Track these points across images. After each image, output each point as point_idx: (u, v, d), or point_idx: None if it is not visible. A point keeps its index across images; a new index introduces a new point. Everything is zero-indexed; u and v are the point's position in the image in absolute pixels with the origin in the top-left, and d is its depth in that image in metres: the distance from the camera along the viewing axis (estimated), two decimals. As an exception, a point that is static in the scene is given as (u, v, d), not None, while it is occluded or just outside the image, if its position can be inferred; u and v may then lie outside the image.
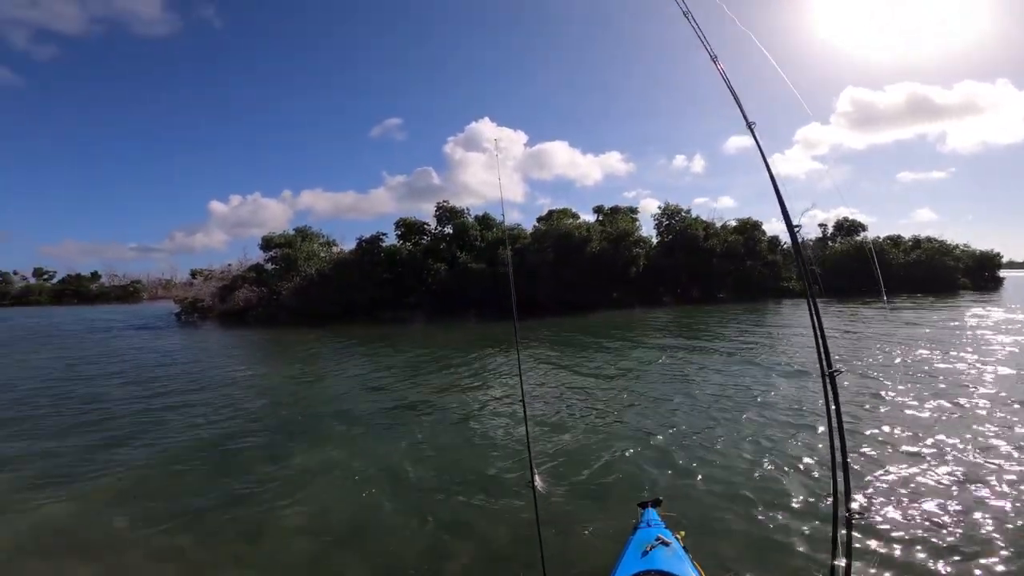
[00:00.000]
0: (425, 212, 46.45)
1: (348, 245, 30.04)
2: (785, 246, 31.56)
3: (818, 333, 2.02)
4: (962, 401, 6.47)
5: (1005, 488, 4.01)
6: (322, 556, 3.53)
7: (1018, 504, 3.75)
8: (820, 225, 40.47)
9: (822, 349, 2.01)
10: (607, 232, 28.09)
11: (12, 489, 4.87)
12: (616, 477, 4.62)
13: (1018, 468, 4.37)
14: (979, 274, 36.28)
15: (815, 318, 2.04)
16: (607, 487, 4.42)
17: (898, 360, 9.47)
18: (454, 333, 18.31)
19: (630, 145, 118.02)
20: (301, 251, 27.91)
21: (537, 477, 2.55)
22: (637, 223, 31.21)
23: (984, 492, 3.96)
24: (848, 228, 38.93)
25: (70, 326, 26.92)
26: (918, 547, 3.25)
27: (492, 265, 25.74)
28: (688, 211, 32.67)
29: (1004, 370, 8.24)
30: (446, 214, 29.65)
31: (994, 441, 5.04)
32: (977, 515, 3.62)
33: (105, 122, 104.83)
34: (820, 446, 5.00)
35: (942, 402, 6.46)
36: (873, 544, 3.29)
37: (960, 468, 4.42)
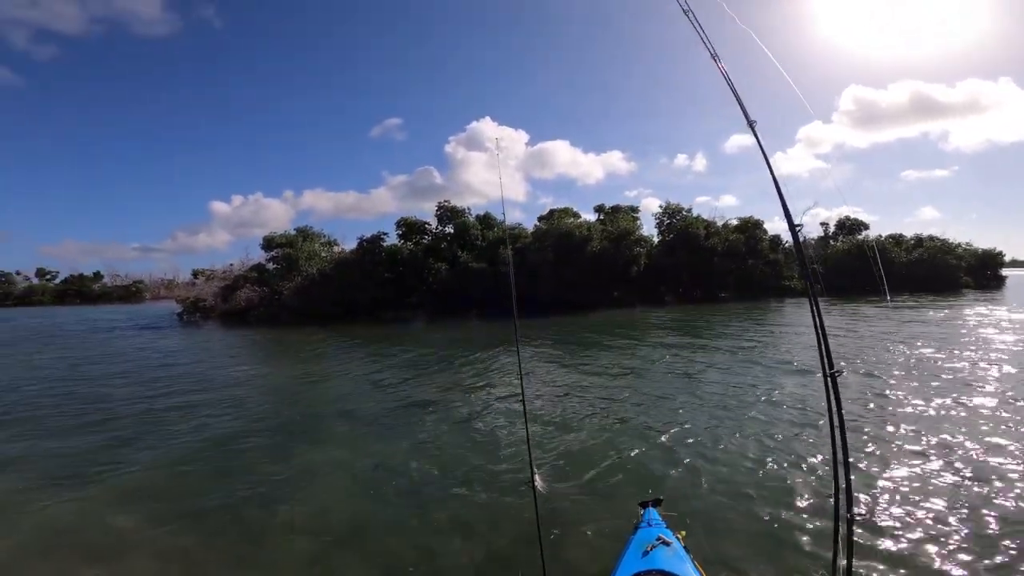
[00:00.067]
0: (427, 212, 46.47)
1: (349, 245, 30.11)
2: (787, 245, 31.49)
3: (819, 333, 2.01)
4: (966, 400, 6.45)
5: (1009, 487, 4.00)
6: (323, 556, 3.54)
7: (1022, 503, 3.74)
8: (822, 224, 40.38)
9: (823, 349, 2.00)
10: (608, 231, 28.07)
11: (16, 490, 4.89)
12: (618, 476, 4.62)
13: (1022, 468, 4.36)
14: (981, 273, 36.11)
15: (816, 318, 2.03)
16: (608, 486, 4.42)
17: (901, 359, 9.45)
18: (456, 332, 18.32)
19: (631, 144, 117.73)
20: (302, 251, 27.94)
21: (537, 476, 2.55)
22: (638, 222, 31.20)
23: (988, 491, 3.95)
24: (850, 227, 38.80)
25: (73, 326, 27.00)
26: (921, 545, 3.25)
27: (493, 264, 25.75)
28: (689, 210, 32.66)
29: (1008, 369, 8.21)
30: (447, 213, 29.67)
31: (999, 440, 5.03)
32: (981, 513, 3.61)
33: (105, 122, 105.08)
34: (824, 445, 5.00)
35: (946, 401, 6.45)
36: (876, 542, 3.28)
37: (964, 467, 4.41)
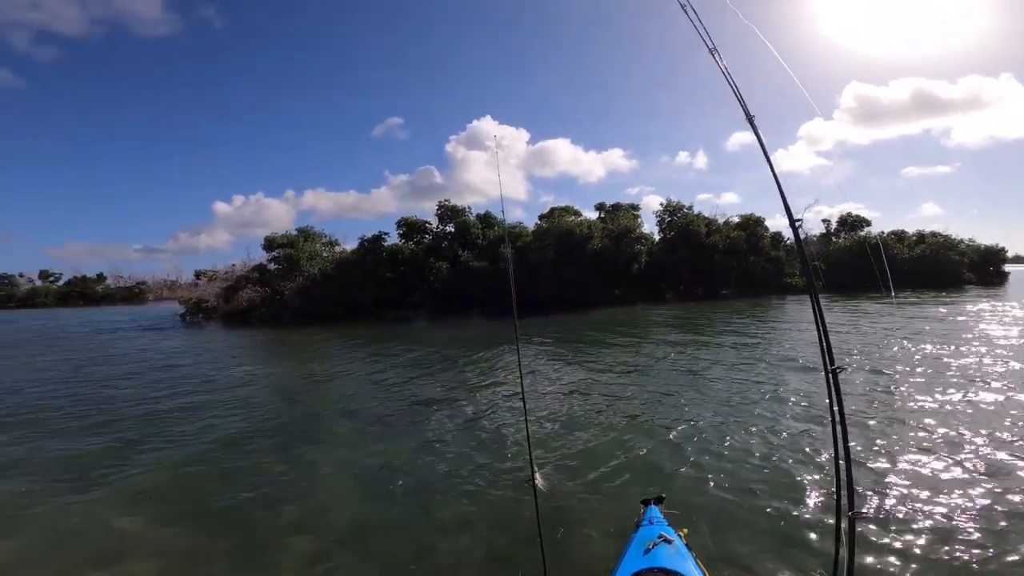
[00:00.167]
0: (428, 211, 46.42)
1: (351, 245, 30.17)
2: (788, 242, 31.40)
3: (821, 329, 2.00)
4: (971, 396, 6.43)
5: (1017, 483, 3.98)
6: (326, 556, 3.54)
7: (1025, 500, 3.73)
8: (824, 221, 40.23)
9: (825, 346, 1.99)
10: (608, 229, 28.03)
11: (20, 492, 4.90)
12: (621, 474, 4.61)
13: (1025, 463, 4.34)
14: (984, 269, 35.97)
15: (817, 314, 2.03)
16: (612, 484, 4.41)
17: (906, 355, 9.41)
18: (457, 332, 18.32)
19: (632, 142, 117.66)
20: (303, 251, 27.98)
21: (538, 475, 2.55)
22: (639, 220, 31.19)
23: (995, 487, 3.93)
24: (852, 223, 38.68)
25: (76, 328, 27.09)
26: (927, 542, 3.23)
27: (494, 263, 25.74)
28: (690, 207, 32.60)
29: (1015, 365, 8.17)
30: (447, 213, 29.67)
31: (1005, 435, 5.00)
32: (988, 510, 3.60)
33: (106, 122, 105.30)
34: (830, 441, 4.97)
35: (952, 397, 6.42)
36: (880, 539, 3.27)
37: (971, 463, 4.39)
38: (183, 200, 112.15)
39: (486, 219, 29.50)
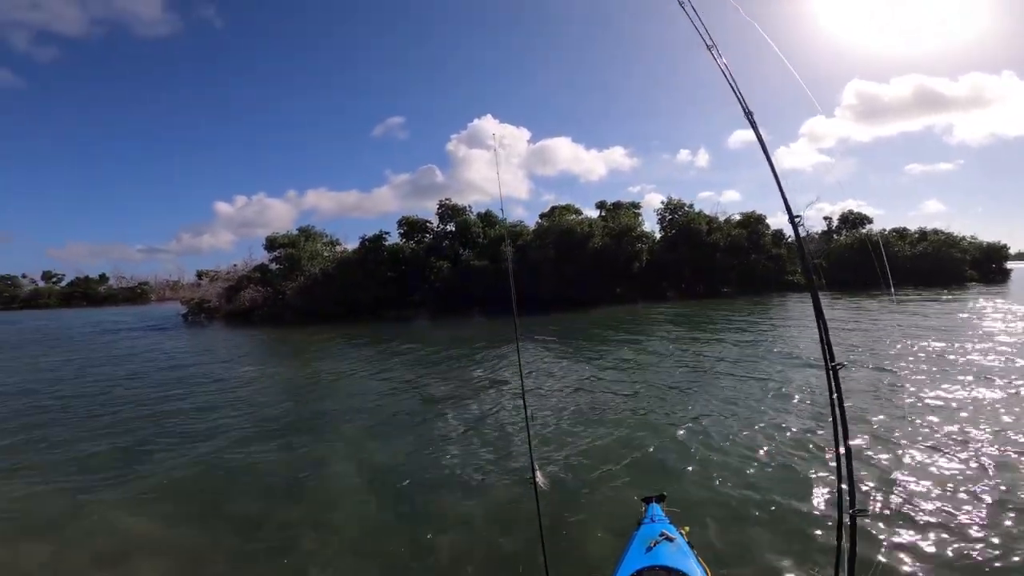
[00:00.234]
0: (429, 210, 46.54)
1: (352, 244, 30.23)
2: (789, 240, 31.33)
3: (821, 327, 2.00)
4: (973, 393, 6.41)
5: (1019, 480, 3.97)
6: (329, 555, 3.56)
7: (1028, 496, 3.72)
8: (825, 218, 40.14)
9: (825, 343, 1.99)
10: (609, 228, 28.01)
11: (24, 494, 4.92)
12: (621, 472, 4.61)
13: (1028, 460, 4.33)
14: (986, 266, 35.83)
15: (818, 311, 2.02)
16: (614, 482, 4.41)
17: (909, 352, 9.39)
18: (459, 331, 18.33)
19: (633, 140, 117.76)
20: (305, 251, 28.05)
21: (539, 473, 2.55)
22: (640, 218, 31.17)
23: (1000, 483, 3.92)
24: (853, 221, 38.56)
25: (79, 328, 27.19)
26: (931, 539, 3.23)
27: (495, 262, 25.75)
28: (691, 205, 32.57)
29: (1019, 361, 8.15)
30: (448, 212, 29.67)
31: (1009, 432, 4.99)
32: (993, 507, 3.59)
33: (106, 122, 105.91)
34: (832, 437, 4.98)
35: (955, 394, 6.41)
36: (883, 536, 3.27)
37: (975, 460, 4.38)
38: (184, 200, 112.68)
39: (487, 218, 29.51)
